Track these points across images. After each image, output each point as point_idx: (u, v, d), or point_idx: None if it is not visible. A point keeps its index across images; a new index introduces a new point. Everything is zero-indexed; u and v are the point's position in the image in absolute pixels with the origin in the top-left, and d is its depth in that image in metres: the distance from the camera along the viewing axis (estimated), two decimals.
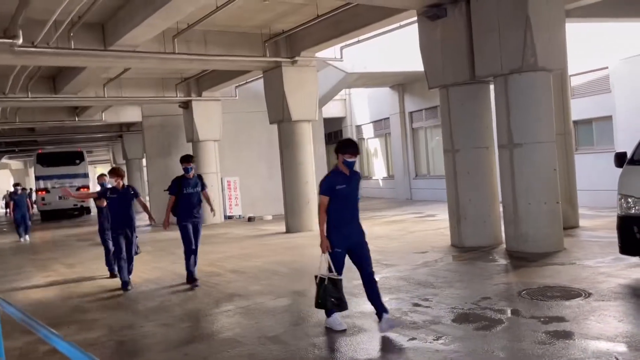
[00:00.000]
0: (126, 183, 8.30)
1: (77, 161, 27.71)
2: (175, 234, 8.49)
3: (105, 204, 8.54)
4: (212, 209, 8.40)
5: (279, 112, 13.38)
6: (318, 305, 5.14)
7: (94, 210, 29.45)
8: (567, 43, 8.67)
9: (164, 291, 7.68)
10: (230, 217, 17.96)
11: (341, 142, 5.22)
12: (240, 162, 18.61)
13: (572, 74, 12.61)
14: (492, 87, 8.91)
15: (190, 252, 8.01)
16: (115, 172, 8.12)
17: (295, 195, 13.36)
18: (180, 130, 18.53)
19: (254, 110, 18.10)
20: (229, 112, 17.99)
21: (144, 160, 25.66)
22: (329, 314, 5.21)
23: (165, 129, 19.01)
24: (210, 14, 10.24)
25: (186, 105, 17.60)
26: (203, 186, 8.15)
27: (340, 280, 5.07)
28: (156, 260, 10.75)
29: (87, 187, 27.97)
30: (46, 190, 26.21)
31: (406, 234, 11.59)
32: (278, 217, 16.34)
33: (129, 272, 8.11)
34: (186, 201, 7.94)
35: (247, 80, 16.52)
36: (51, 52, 10.28)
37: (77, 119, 21.09)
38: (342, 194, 5.08)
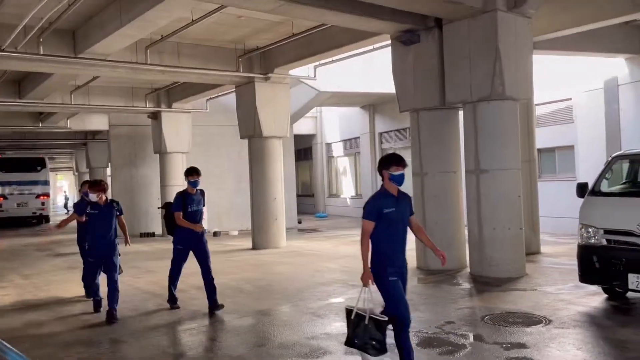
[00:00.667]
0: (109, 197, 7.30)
1: (38, 168, 26.94)
2: (139, 246, 8.31)
3: (84, 219, 7.42)
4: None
5: (250, 127, 13.34)
6: (351, 343, 4.36)
7: (53, 219, 28.64)
8: (533, 74, 8.96)
9: (124, 307, 7.47)
10: None
11: (384, 157, 4.63)
12: (208, 175, 18.27)
13: (537, 104, 12.99)
14: (461, 113, 9.11)
15: (177, 277, 7.43)
16: (97, 186, 7.00)
17: (263, 211, 13.29)
18: (148, 140, 18.26)
19: (224, 124, 18.01)
20: (199, 125, 17.84)
21: (108, 170, 25.16)
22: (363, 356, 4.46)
23: (132, 139, 18.70)
24: (185, 27, 10.20)
25: (155, 116, 17.38)
26: (204, 203, 7.27)
27: (387, 321, 4.33)
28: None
29: (47, 194, 27.20)
30: (3, 196, 25.36)
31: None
32: (244, 233, 16.20)
33: (115, 302, 6.83)
34: (188, 220, 7.05)
35: (219, 94, 16.45)
36: (19, 57, 10.04)
37: (40, 125, 20.57)
38: (389, 218, 4.41)
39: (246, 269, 10.41)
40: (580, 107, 13.13)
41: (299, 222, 19.48)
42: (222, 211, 18.18)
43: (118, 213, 7.17)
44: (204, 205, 7.30)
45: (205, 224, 17.26)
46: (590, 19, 9.83)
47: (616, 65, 12.39)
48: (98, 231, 7.03)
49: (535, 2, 8.09)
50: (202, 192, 7.35)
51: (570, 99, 13.36)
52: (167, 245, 14.62)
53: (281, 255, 12.02)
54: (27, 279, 10.31)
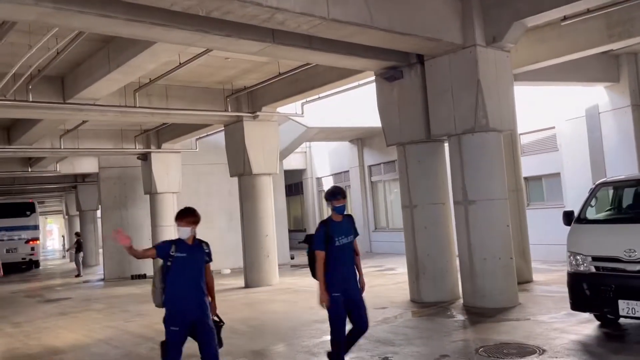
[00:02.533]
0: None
1: (28, 212, 26.75)
2: (130, 288, 8.23)
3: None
4: None
5: (239, 166, 13.43)
6: None
7: (43, 263, 28.28)
8: (517, 103, 9.16)
9: (116, 352, 7.37)
10: None
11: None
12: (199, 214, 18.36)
13: (522, 133, 13.24)
14: (447, 145, 9.25)
15: (342, 339, 5.42)
16: (190, 215, 5.10)
17: (255, 248, 13.25)
18: (138, 181, 18.28)
19: (214, 162, 18.10)
20: (188, 164, 17.92)
21: (98, 212, 25.05)
22: None
23: (122, 181, 18.71)
24: (173, 70, 10.38)
25: (145, 157, 17.45)
26: (356, 233, 5.62)
27: None
28: (108, 318, 10.34)
29: (37, 239, 26.94)
30: None
31: (366, 288, 11.55)
32: (236, 271, 16.08)
33: None
34: (336, 258, 5.32)
35: (208, 133, 16.59)
36: (8, 105, 10.12)
37: (30, 169, 20.53)
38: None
39: (239, 308, 10.31)
40: (564, 135, 13.38)
41: (292, 258, 19.38)
42: (214, 250, 17.85)
43: (207, 259, 5.21)
44: (355, 236, 5.59)
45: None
46: (567, 50, 10.17)
47: (596, 94, 12.69)
48: (185, 284, 5.00)
49: (513, 37, 8.34)
50: (349, 218, 5.63)
51: (554, 127, 13.61)
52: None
53: (274, 292, 11.94)
54: (18, 327, 10.15)
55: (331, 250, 5.32)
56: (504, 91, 8.67)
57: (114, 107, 11.54)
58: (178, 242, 5.11)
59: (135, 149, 17.08)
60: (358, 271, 5.62)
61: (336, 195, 5.47)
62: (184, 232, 5.08)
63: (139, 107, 11.65)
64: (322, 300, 5.30)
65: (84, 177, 27.17)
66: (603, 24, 9.64)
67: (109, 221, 18.47)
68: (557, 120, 13.48)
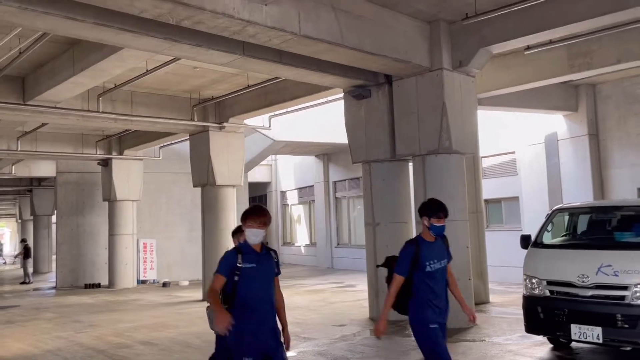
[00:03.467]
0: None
1: None
2: (83, 298, 7.96)
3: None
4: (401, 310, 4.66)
5: (203, 176, 13.27)
6: None
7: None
8: (480, 127, 9.37)
9: None
10: (144, 282, 17.16)
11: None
12: (159, 223, 18.06)
13: (484, 156, 13.54)
14: (411, 165, 9.38)
15: None
16: (262, 215, 4.02)
17: (215, 260, 12.93)
18: (97, 188, 17.83)
19: (177, 172, 17.85)
20: (150, 172, 17.59)
21: (53, 217, 24.27)
22: None
23: (80, 186, 18.21)
24: (139, 76, 10.21)
25: (105, 163, 17.05)
26: (450, 256, 4.76)
27: None
28: (58, 328, 9.97)
29: None
30: None
31: (326, 304, 11.55)
32: (195, 283, 15.80)
33: None
34: (426, 286, 4.51)
35: (172, 142, 16.35)
36: None
37: None
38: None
39: (195, 322, 10.10)
40: (524, 160, 13.74)
41: None
42: (172, 260, 17.78)
43: (277, 271, 4.15)
44: (449, 260, 4.72)
45: (154, 274, 16.34)
46: (530, 78, 10.51)
47: (556, 122, 13.12)
48: (257, 302, 3.92)
49: (479, 63, 8.56)
50: (444, 239, 4.72)
51: (514, 152, 13.98)
52: (113, 297, 14.10)
53: None
54: None
55: (420, 277, 4.43)
56: (468, 115, 8.87)
57: (76, 110, 11.26)
58: (244, 250, 3.99)
59: (96, 154, 16.67)
60: (459, 301, 4.76)
61: (438, 211, 4.52)
62: (256, 236, 3.97)
63: (103, 112, 11.41)
64: (379, 331, 4.44)
65: (40, 181, 26.30)
66: (565, 55, 10.01)
67: (64, 227, 17.91)
68: (517, 145, 13.85)
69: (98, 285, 16.93)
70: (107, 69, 8.72)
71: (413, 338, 7.93)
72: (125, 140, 16.74)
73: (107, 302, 13.24)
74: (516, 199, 13.91)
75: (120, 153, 16.94)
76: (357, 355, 7.02)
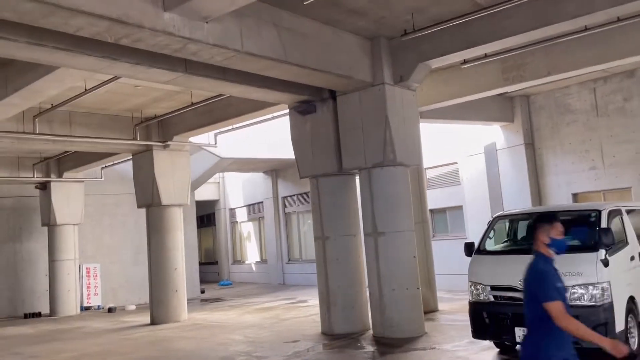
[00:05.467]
0: None
1: None
2: (23, 328, 7.54)
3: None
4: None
5: (148, 196, 12.95)
6: None
7: None
8: (422, 139, 9.64)
9: None
10: (87, 308, 16.47)
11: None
12: (102, 247, 17.44)
13: (428, 167, 13.90)
14: (357, 178, 9.51)
15: None
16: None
17: (162, 283, 12.71)
18: (35, 212, 17.01)
19: (120, 192, 17.31)
20: (92, 194, 16.98)
21: None
22: None
23: (17, 211, 17.32)
24: (78, 96, 9.91)
25: (44, 187, 16.35)
26: None
27: None
28: None
29: None
30: None
31: (278, 322, 11.45)
32: (142, 307, 15.32)
33: None
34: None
35: (115, 162, 15.89)
36: None
37: None
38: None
39: (143, 347, 9.79)
40: (466, 170, 14.19)
41: (202, 292, 18.80)
42: (117, 285, 17.18)
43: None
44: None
45: (99, 299, 15.84)
46: (467, 91, 10.92)
47: (494, 132, 13.64)
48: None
49: (418, 77, 8.82)
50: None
51: (456, 162, 14.42)
52: (55, 326, 13.46)
53: (182, 329, 11.48)
54: None
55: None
56: (411, 127, 9.10)
57: (11, 133, 10.77)
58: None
59: (34, 177, 15.95)
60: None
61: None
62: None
63: (39, 133, 10.97)
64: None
65: None
66: (499, 68, 10.46)
67: (0, 255, 16.99)
68: (459, 155, 14.30)
69: (39, 315, 16.11)
70: (43, 89, 8.43)
71: (365, 350, 8.02)
72: (65, 162, 16.12)
73: (49, 332, 12.62)
74: (460, 207, 14.32)
75: (60, 175, 16.28)
76: None
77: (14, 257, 16.95)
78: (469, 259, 7.20)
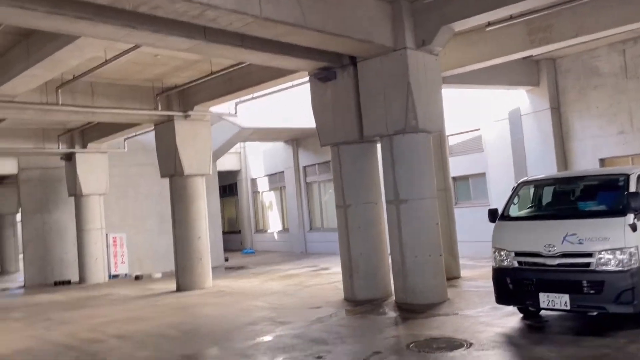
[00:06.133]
0: None
1: None
2: (54, 295, 7.78)
3: None
4: None
5: (170, 166, 13.07)
6: None
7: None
8: (445, 106, 9.48)
9: None
10: (115, 276, 16.89)
11: None
12: (128, 217, 17.76)
13: (450, 134, 13.71)
14: (379, 145, 9.42)
15: None
16: None
17: (187, 251, 12.93)
18: (62, 183, 17.37)
19: (143, 163, 17.51)
20: (116, 165, 17.23)
21: (18, 216, 23.62)
22: None
23: (45, 183, 17.71)
24: (99, 66, 9.93)
25: (69, 158, 16.62)
26: None
27: None
28: (28, 327, 9.75)
29: None
30: None
31: (301, 288, 11.59)
32: (168, 275, 15.64)
33: None
34: None
35: (137, 133, 16.03)
36: None
37: None
38: None
39: (170, 312, 10.03)
40: (489, 137, 13.97)
41: (226, 260, 19.11)
42: (144, 254, 17.53)
43: None
44: None
45: (126, 268, 16.33)
46: (491, 55, 10.62)
47: (519, 97, 13.34)
48: None
49: (441, 40, 8.60)
50: None
51: (479, 129, 14.19)
52: (84, 293, 13.86)
53: (207, 296, 11.70)
54: None
55: None
56: (433, 93, 8.93)
57: (35, 104, 10.91)
58: None
59: (59, 149, 16.22)
60: None
61: None
62: None
63: (62, 104, 11.07)
64: None
65: (2, 179, 25.49)
66: (525, 30, 10.13)
67: (29, 225, 17.44)
68: (482, 122, 14.06)
69: (68, 282, 16.60)
70: (64, 59, 8.46)
71: (387, 316, 8.09)
72: (89, 133, 16.33)
73: (79, 299, 13.00)
74: (483, 175, 14.16)
75: (84, 147, 16.52)
76: (334, 335, 7.07)
77: (43, 227, 17.39)
78: (492, 226, 7.13)
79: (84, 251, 16.40)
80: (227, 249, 20.75)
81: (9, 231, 27.00)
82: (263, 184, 24.04)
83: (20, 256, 21.18)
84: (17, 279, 19.98)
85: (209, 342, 7.41)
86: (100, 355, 7.15)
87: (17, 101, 10.48)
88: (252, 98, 13.70)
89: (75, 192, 16.49)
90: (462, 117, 14.12)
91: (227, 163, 23.23)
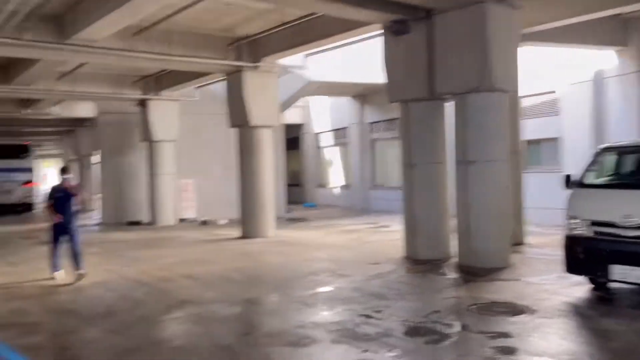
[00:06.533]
0: None
1: (23, 155, 26.61)
2: (126, 234, 8.22)
3: None
4: None
5: (239, 117, 13.29)
6: None
7: (40, 207, 28.28)
8: (519, 65, 9.01)
9: (111, 296, 7.47)
10: (183, 220, 17.66)
11: None
12: (196, 163, 18.35)
13: (523, 96, 13.06)
14: (449, 104, 9.14)
15: None
16: None
17: (251, 200, 13.27)
18: (135, 128, 18.12)
19: (213, 112, 17.89)
20: (187, 113, 17.72)
21: (96, 157, 24.96)
22: None
23: (120, 127, 18.54)
24: (174, 14, 10.09)
25: (143, 104, 17.24)
26: None
27: None
28: (105, 262, 10.43)
29: (33, 182, 26.93)
30: None
31: (361, 244, 11.70)
32: (233, 222, 16.17)
33: None
34: None
35: (208, 82, 16.33)
36: (4, 43, 9.87)
37: (27, 111, 20.29)
38: None
39: (235, 258, 10.42)
40: (566, 100, 13.22)
41: (288, 212, 19.50)
42: (211, 200, 18.14)
43: None
44: None
45: (194, 212, 16.96)
46: (577, 11, 9.88)
47: (603, 58, 12.47)
48: None
49: None
50: None
51: (554, 91, 13.45)
52: (155, 234, 14.61)
53: (270, 244, 12.05)
54: (13, 266, 10.24)
55: None
56: (511, 51, 8.50)
57: (113, 50, 11.28)
58: None
59: (134, 95, 16.85)
60: None
61: None
62: None
63: (139, 51, 11.40)
64: None
65: (82, 122, 26.87)
66: None
67: (106, 167, 18.44)
68: (559, 84, 13.30)
69: (140, 223, 17.53)
70: (142, 4, 8.60)
71: (448, 277, 8.04)
72: (162, 81, 16.80)
73: (150, 239, 13.74)
74: (556, 139, 13.51)
75: (157, 94, 17.05)
76: (393, 291, 7.13)
77: (118, 169, 18.32)
78: (563, 193, 6.84)
79: (155, 194, 17.21)
80: (289, 201, 21.13)
81: (87, 171, 28.65)
82: (327, 139, 24.07)
83: (98, 195, 22.47)
84: (94, 216, 21.28)
85: (271, 288, 7.67)
86: (169, 292, 7.57)
87: (97, 46, 10.86)
88: (321, 51, 13.56)
89: (148, 138, 17.18)
90: (537, 78, 13.39)
91: (292, 116, 23.34)
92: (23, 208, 25.98)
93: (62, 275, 8.54)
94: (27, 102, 19.91)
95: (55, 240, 8.67)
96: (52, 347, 5.33)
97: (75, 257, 8.58)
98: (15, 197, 24.99)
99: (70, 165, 8.62)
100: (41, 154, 41.31)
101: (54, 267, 8.66)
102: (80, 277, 8.43)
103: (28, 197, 26.00)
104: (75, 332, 5.82)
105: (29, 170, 26.60)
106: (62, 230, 8.59)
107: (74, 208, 8.64)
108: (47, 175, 63.30)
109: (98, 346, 5.38)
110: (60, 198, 8.50)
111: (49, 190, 8.82)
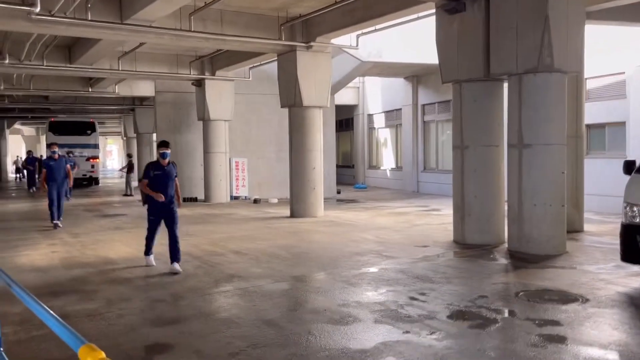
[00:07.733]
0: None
1: (89, 132, 27.91)
2: (182, 210, 8.46)
3: None
4: None
5: (290, 97, 13.36)
6: None
7: (103, 181, 29.66)
8: (585, 45, 8.57)
9: (164, 268, 7.75)
10: (236, 198, 18.06)
11: None
12: (249, 143, 18.67)
13: (588, 77, 12.46)
14: (505, 85, 8.85)
15: None
16: None
17: (302, 180, 13.38)
18: (192, 107, 18.58)
19: (265, 93, 18.12)
20: (241, 93, 18.01)
21: (154, 135, 25.80)
22: None
23: (177, 106, 19.07)
24: None
25: (199, 84, 17.63)
26: None
27: None
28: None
29: (97, 157, 28.20)
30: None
31: (410, 226, 11.59)
32: (283, 201, 16.40)
33: None
34: None
35: (261, 62, 16.48)
36: (67, 22, 10.29)
37: (90, 89, 21.18)
38: None
39: (283, 236, 10.57)
40: (635, 82, 12.51)
41: (338, 192, 19.55)
42: (262, 179, 18.45)
43: None
44: None
45: (246, 191, 17.23)
46: None
47: None
48: None
49: None
50: None
51: (623, 72, 12.74)
52: (208, 211, 15.01)
53: (318, 224, 12.14)
54: (76, 237, 10.80)
55: None
56: (574, 29, 8.10)
57: (170, 29, 11.55)
58: None
59: (190, 74, 17.24)
60: None
61: None
62: None
63: (194, 31, 11.62)
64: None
65: (141, 100, 27.83)
66: None
67: None
68: (628, 65, 12.59)
69: (195, 199, 18.06)
70: None
71: (498, 262, 7.86)
72: (217, 61, 17.10)
73: (203, 215, 14.14)
74: (622, 124, 12.85)
75: (213, 74, 17.39)
76: (439, 275, 7.05)
77: (175, 147, 18.78)
78: (626, 179, 6.50)
79: (209, 172, 17.66)
80: (339, 182, 21.17)
81: (146, 149, 29.70)
82: (379, 120, 23.86)
83: None
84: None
85: (317, 267, 7.74)
86: (219, 266, 7.78)
87: (155, 26, 11.15)
88: (375, 30, 13.37)
89: (204, 117, 17.58)
90: (605, 59, 12.73)
91: (344, 97, 23.27)
92: (88, 182, 27.33)
93: (153, 261, 7.91)
94: (90, 81, 20.76)
95: (153, 223, 7.79)
96: (107, 314, 5.60)
97: (174, 246, 7.51)
98: (80, 171, 26.24)
99: (169, 141, 7.79)
100: (103, 131, 43.01)
101: (148, 251, 7.94)
102: (174, 272, 7.40)
103: (92, 172, 27.32)
104: (129, 301, 6.09)
105: (95, 146, 27.88)
106: (161, 213, 7.67)
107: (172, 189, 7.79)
108: (111, 151, 66.04)
109: (149, 315, 5.61)
110: (158, 176, 7.57)
111: (145, 167, 7.87)
